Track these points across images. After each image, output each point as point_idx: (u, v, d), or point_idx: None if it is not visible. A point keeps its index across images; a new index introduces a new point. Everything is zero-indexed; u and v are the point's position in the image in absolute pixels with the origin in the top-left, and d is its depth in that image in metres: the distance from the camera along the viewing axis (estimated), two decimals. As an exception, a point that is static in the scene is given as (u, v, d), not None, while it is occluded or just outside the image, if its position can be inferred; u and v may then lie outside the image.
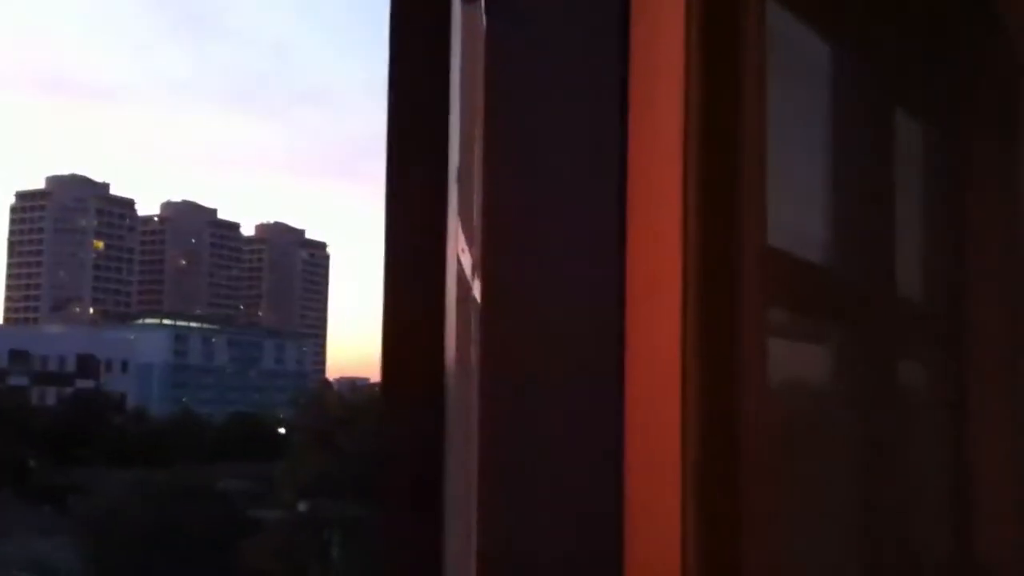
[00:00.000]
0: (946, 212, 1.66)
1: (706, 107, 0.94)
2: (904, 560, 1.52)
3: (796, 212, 1.27)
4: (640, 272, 0.93)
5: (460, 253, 1.26)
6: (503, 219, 0.98)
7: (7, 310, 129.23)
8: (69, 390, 64.99)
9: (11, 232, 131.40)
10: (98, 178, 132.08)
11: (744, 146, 0.99)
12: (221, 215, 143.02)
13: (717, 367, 0.96)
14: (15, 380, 66.64)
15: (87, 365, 73.81)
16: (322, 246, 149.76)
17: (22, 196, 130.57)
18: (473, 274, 1.22)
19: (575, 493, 0.96)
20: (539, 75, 0.95)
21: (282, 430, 47.81)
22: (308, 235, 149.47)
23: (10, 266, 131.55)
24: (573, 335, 0.95)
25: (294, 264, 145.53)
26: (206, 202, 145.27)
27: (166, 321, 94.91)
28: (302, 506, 31.75)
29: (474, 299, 1.21)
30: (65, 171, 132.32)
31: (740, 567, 1.02)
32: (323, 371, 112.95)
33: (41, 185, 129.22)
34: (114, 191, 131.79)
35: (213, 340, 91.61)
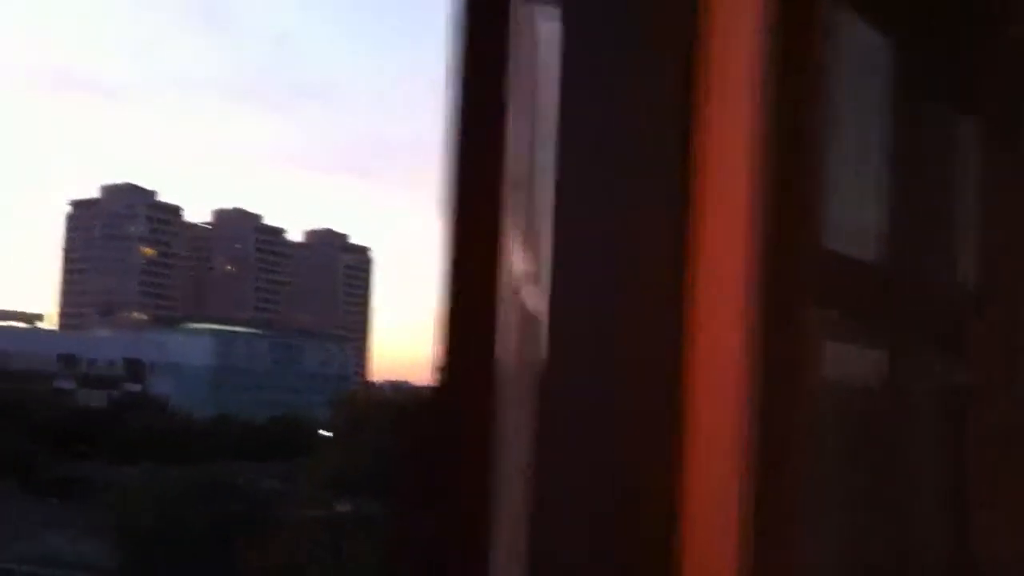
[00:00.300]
0: (1002, 213, 1.64)
1: (778, 108, 0.93)
2: (965, 563, 1.50)
3: (855, 213, 1.27)
4: (706, 279, 0.92)
5: (516, 258, 1.25)
6: (569, 224, 0.97)
7: (61, 316, 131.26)
8: (115, 393, 65.83)
9: (66, 240, 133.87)
10: (147, 185, 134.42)
11: (814, 148, 0.99)
12: (266, 220, 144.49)
13: (782, 372, 0.95)
14: (62, 383, 67.63)
15: (133, 368, 74.73)
16: (365, 250, 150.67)
17: (76, 204, 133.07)
18: (527, 278, 1.22)
19: (631, 502, 0.95)
20: (610, 77, 0.95)
21: (322, 431, 48.11)
22: (349, 239, 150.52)
23: (64, 272, 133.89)
24: (636, 342, 0.94)
25: (337, 268, 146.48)
26: (252, 207, 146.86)
27: (211, 325, 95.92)
28: (338, 506, 31.93)
29: (528, 302, 1.20)
30: (118, 180, 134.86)
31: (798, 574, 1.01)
32: (366, 374, 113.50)
33: (93, 194, 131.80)
34: (161, 198, 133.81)
35: (256, 344, 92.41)
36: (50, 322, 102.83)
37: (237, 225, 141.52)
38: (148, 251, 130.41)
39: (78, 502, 39.54)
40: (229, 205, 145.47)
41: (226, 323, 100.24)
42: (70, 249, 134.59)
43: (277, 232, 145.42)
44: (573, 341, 0.96)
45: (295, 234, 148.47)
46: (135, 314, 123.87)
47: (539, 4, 1.12)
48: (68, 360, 74.11)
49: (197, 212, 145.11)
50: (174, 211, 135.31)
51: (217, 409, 60.96)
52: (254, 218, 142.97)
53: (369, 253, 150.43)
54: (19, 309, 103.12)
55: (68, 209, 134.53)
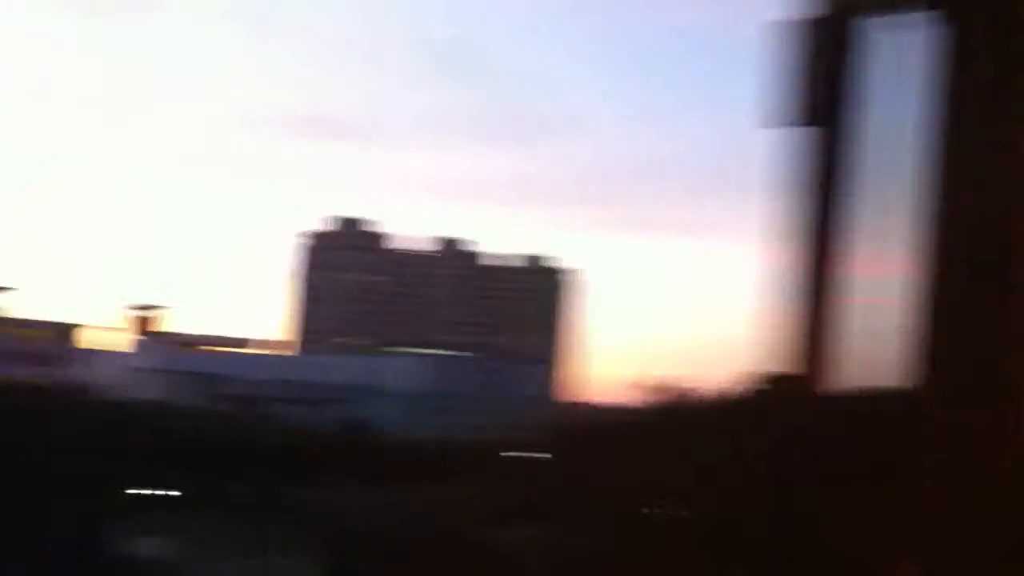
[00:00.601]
0: None
1: None
2: None
3: None
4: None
5: (861, 271, 1.19)
6: (957, 236, 0.92)
7: (286, 341, 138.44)
8: (328, 415, 68.16)
9: (295, 270, 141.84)
10: (360, 216, 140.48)
11: None
12: (467, 246, 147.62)
13: None
14: (279, 407, 70.62)
15: (345, 391, 77.35)
16: (564, 273, 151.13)
17: (305, 237, 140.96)
18: (891, 289, 1.26)
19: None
20: (995, 81, 0.89)
21: (526, 454, 47.92)
22: (550, 263, 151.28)
23: (295, 300, 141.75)
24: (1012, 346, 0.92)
25: (539, 292, 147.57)
26: (454, 234, 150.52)
27: (418, 349, 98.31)
28: (548, 529, 31.44)
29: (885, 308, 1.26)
30: (336, 212, 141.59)
31: None
32: (568, 396, 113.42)
33: (316, 226, 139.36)
34: (373, 228, 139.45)
35: (462, 367, 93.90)
36: (254, 347, 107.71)
37: (446, 252, 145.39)
38: (363, 279, 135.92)
39: (291, 524, 40.77)
40: (439, 234, 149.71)
41: (432, 347, 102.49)
42: (297, 278, 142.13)
43: (481, 258, 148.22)
44: (950, 355, 0.95)
45: (499, 259, 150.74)
46: (349, 339, 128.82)
47: (884, 16, 1.12)
48: (284, 384, 77.53)
49: (410, 241, 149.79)
50: (389, 240, 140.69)
51: (425, 431, 61.97)
52: (461, 244, 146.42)
53: (571, 276, 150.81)
54: (226, 334, 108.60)
55: (298, 241, 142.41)
